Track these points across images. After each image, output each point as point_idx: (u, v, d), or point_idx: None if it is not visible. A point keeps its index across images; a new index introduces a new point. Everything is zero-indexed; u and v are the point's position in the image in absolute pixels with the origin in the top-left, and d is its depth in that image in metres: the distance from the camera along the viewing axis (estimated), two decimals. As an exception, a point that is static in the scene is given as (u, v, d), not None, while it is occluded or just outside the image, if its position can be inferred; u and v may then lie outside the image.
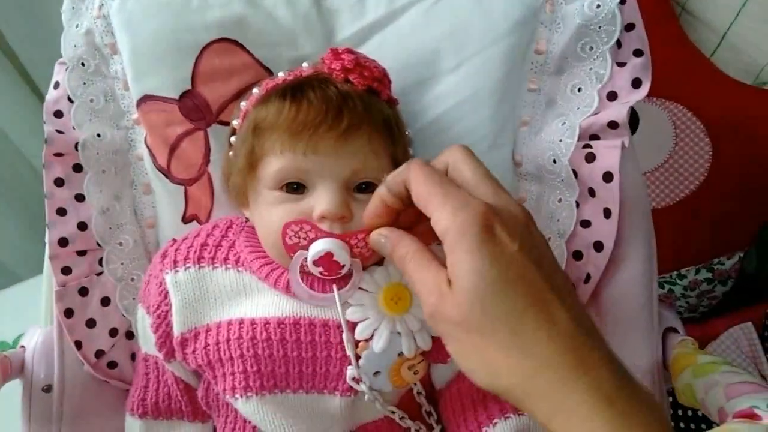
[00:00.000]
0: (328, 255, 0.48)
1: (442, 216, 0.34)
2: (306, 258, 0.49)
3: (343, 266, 0.48)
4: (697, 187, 0.80)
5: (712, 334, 0.78)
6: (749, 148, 0.79)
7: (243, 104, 0.56)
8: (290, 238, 0.49)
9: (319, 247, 0.47)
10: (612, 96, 0.58)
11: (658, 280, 0.88)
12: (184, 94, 0.61)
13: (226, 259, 0.56)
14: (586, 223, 0.57)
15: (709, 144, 0.79)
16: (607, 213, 0.55)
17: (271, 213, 0.51)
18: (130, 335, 0.64)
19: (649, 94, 0.83)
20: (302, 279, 0.50)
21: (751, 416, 0.35)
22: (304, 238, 0.49)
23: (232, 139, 0.56)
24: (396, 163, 0.54)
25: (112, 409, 0.62)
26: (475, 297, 0.32)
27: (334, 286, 0.50)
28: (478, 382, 0.34)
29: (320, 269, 0.48)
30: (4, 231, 1.45)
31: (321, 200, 0.49)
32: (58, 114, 0.64)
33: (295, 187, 0.50)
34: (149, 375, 0.59)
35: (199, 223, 0.64)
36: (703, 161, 0.79)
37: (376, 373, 0.51)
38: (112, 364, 0.62)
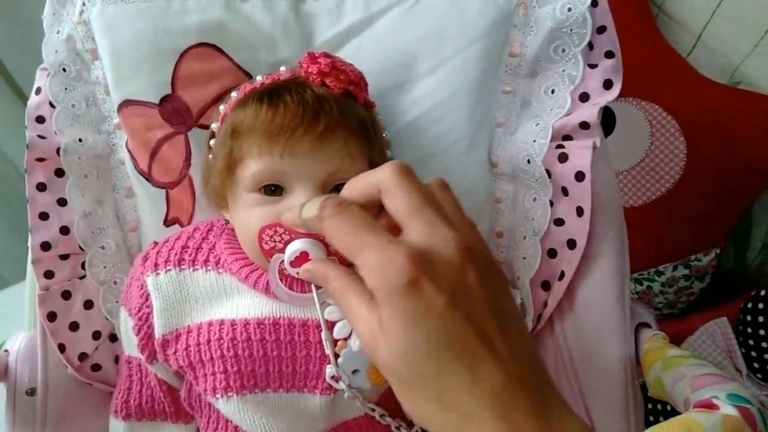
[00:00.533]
0: (304, 255, 0.48)
1: (368, 274, 0.33)
2: (283, 261, 0.50)
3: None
4: (673, 185, 0.82)
5: (689, 330, 0.79)
6: (724, 147, 0.80)
7: (222, 108, 0.57)
8: (266, 243, 0.50)
9: (294, 247, 0.48)
10: (584, 97, 0.59)
11: (637, 276, 0.91)
12: (165, 99, 0.62)
13: (206, 261, 0.57)
14: (559, 222, 0.58)
15: (684, 143, 0.80)
16: (579, 211, 0.56)
17: (249, 215, 0.51)
18: (113, 338, 0.64)
19: (626, 95, 0.85)
20: (282, 280, 0.51)
21: (709, 406, 0.36)
22: (280, 241, 0.49)
23: (211, 142, 0.57)
24: (372, 165, 0.55)
25: (95, 412, 0.63)
26: (404, 353, 0.32)
27: (313, 286, 0.51)
28: (414, 421, 0.34)
29: (298, 270, 0.49)
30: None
31: (298, 202, 0.49)
32: (40, 119, 0.64)
33: (273, 189, 0.51)
34: (132, 377, 0.60)
35: (181, 225, 0.65)
36: (678, 160, 0.81)
37: (354, 372, 0.52)
38: (96, 367, 0.63)
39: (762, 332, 0.70)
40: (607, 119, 0.85)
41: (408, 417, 0.58)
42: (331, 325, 0.52)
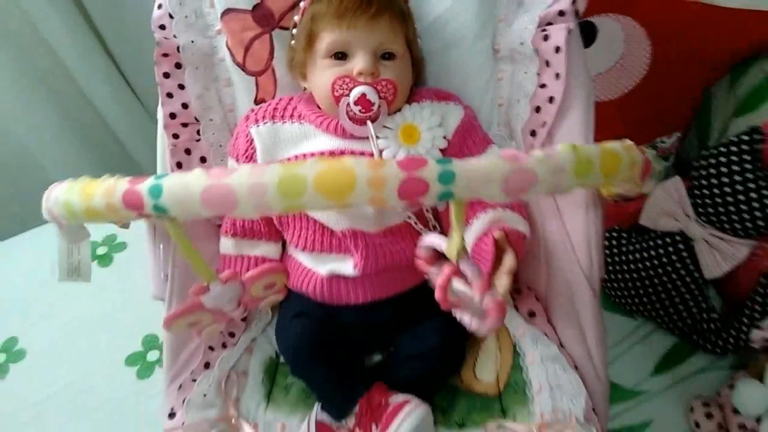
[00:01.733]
0: (363, 95, 0.71)
1: None
2: (349, 103, 0.73)
3: (374, 104, 0.72)
4: (641, 80, 1.02)
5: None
6: (682, 47, 1.00)
7: (302, 4, 0.80)
8: (337, 90, 0.73)
9: (357, 90, 0.71)
10: (563, -7, 0.79)
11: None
12: (256, 6, 0.85)
13: (291, 116, 0.80)
14: (543, 86, 0.79)
15: (650, 45, 1.01)
16: (557, 76, 0.77)
17: (324, 74, 0.75)
18: (219, 186, 0.88)
19: (607, 11, 1.05)
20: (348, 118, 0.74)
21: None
22: (346, 89, 0.73)
23: (294, 31, 0.80)
24: (408, 42, 0.78)
25: (209, 239, 0.86)
26: None
27: (368, 122, 0.74)
28: None
29: (359, 108, 0.72)
30: (66, 157, 1.71)
31: (358, 62, 0.73)
32: (162, 27, 0.86)
33: (340, 56, 0.74)
34: (237, 207, 0.84)
35: (267, 102, 0.88)
36: (644, 59, 1.01)
37: (397, 185, 0.75)
38: (209, 205, 0.87)
39: (704, 182, 0.91)
40: (590, 31, 1.06)
41: (431, 223, 0.81)
42: (381, 151, 0.75)
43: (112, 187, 0.52)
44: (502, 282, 0.68)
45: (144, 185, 0.50)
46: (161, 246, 0.84)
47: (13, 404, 1.12)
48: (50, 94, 1.62)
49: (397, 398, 0.70)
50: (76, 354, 1.18)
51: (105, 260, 1.35)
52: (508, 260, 0.70)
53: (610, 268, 1.06)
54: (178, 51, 0.86)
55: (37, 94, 1.60)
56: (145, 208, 0.51)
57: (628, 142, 0.57)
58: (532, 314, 0.79)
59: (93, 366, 1.16)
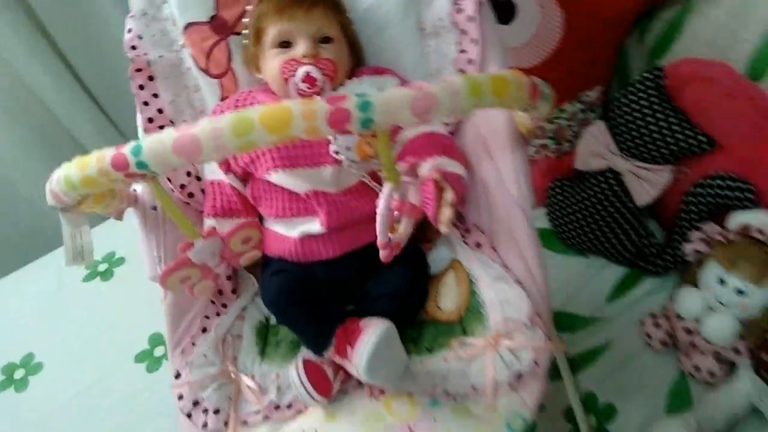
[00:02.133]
0: (308, 74, 0.84)
1: None
2: (296, 82, 0.85)
3: (317, 80, 0.85)
4: (558, 44, 1.16)
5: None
6: (591, 12, 1.14)
7: (249, 7, 0.93)
8: (285, 73, 0.86)
9: (302, 69, 0.84)
10: (473, -27, 0.93)
11: (548, 118, 1.24)
12: (212, 18, 0.99)
13: (252, 104, 0.93)
14: (463, 51, 0.93)
15: (561, 12, 1.14)
16: (475, 42, 0.91)
17: (273, 61, 0.88)
18: (198, 179, 1.00)
19: (524, -10, 1.19)
20: (298, 95, 0.87)
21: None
22: (292, 70, 0.85)
23: (244, 32, 0.94)
24: (342, 27, 0.91)
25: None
26: None
27: (316, 96, 0.86)
28: None
29: (306, 85, 0.85)
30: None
31: (300, 47, 0.86)
32: (133, 47, 0.99)
33: (285, 45, 0.87)
34: (215, 191, 0.96)
35: (231, 99, 1.01)
36: (558, 26, 1.15)
37: (347, 148, 0.88)
38: (191, 195, 0.98)
39: (621, 120, 1.03)
40: (510, 9, 1.20)
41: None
42: (330, 121, 0.87)
43: (102, 154, 0.64)
44: (445, 213, 0.80)
45: (127, 146, 0.62)
46: (153, 234, 0.95)
47: (36, 413, 1.23)
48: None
49: (365, 322, 0.81)
50: (90, 359, 1.28)
51: (106, 275, 1.46)
52: (448, 195, 0.81)
53: (559, 213, 1.17)
54: (149, 65, 0.99)
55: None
56: (130, 167, 0.62)
57: (516, 70, 0.69)
58: (478, 245, 0.90)
59: (106, 367, 1.26)
